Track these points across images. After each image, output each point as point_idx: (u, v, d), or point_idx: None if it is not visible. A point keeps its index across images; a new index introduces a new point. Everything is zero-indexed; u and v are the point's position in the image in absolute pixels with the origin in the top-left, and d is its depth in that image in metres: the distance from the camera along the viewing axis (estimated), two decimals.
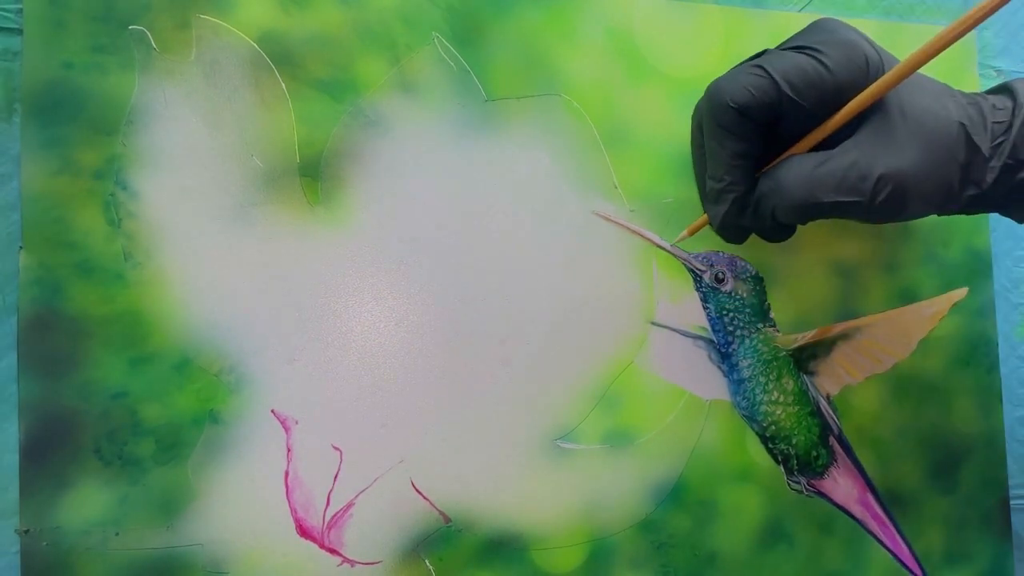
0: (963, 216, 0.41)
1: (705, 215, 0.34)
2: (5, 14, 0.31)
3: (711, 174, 0.31)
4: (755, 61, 0.30)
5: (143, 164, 0.31)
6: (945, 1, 0.43)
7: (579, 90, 0.36)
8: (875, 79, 0.29)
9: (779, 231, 0.33)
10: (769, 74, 0.29)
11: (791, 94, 0.29)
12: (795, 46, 0.30)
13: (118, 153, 0.31)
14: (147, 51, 0.32)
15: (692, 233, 0.35)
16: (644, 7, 0.37)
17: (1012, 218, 0.33)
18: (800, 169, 0.30)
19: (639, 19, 0.37)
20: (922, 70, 0.30)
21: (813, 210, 0.30)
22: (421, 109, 0.35)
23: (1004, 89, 0.32)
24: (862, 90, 0.29)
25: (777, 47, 0.31)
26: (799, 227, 0.33)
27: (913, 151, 0.29)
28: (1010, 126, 0.30)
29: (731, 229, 0.32)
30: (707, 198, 0.32)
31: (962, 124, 0.30)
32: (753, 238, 0.33)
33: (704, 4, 0.38)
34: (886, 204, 0.29)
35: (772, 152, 0.31)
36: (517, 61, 0.36)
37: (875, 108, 0.30)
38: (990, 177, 0.30)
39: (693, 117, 0.33)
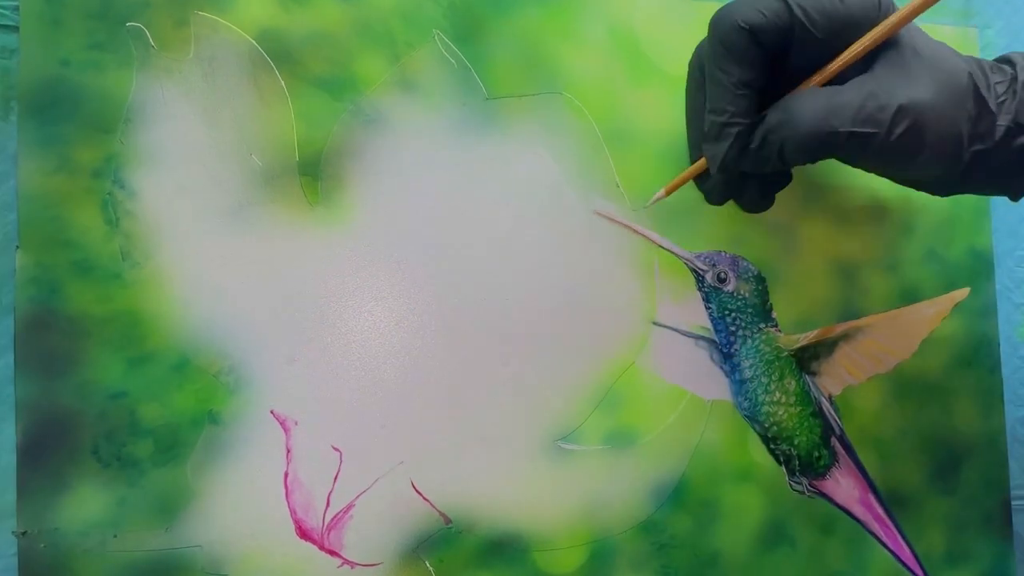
0: (965, 215, 0.41)
1: (686, 171, 0.33)
2: (2, 11, 0.31)
3: (712, 107, 0.30)
4: None
5: (141, 163, 0.31)
6: (946, 1, 0.42)
7: (581, 88, 0.36)
8: (886, 15, 0.29)
9: (762, 193, 0.33)
10: None
11: (803, 20, 0.28)
12: None
13: (116, 151, 0.31)
14: (145, 48, 0.31)
15: (669, 192, 0.34)
16: (646, 5, 0.37)
17: (1007, 194, 0.33)
18: (815, 99, 0.29)
19: (641, 17, 0.37)
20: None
21: (828, 141, 0.29)
22: (422, 107, 0.34)
23: (1002, 59, 0.32)
24: (874, 26, 0.29)
25: None
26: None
27: (930, 87, 0.29)
28: (1011, 89, 0.30)
29: (725, 177, 0.31)
30: (707, 136, 0.30)
31: (970, 74, 0.29)
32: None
33: (706, 2, 0.38)
34: (902, 139, 0.28)
35: (777, 91, 0.30)
36: (518, 59, 0.35)
37: (888, 45, 0.29)
38: (998, 134, 0.30)
39: (690, 64, 0.33)
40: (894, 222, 0.40)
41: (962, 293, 0.36)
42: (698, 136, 0.32)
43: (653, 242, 0.36)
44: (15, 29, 0.31)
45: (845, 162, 0.32)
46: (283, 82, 0.33)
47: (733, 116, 0.29)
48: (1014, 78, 0.30)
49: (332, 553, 0.32)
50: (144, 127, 0.31)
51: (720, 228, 0.37)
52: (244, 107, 0.32)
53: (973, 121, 0.29)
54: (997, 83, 0.30)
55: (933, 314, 0.36)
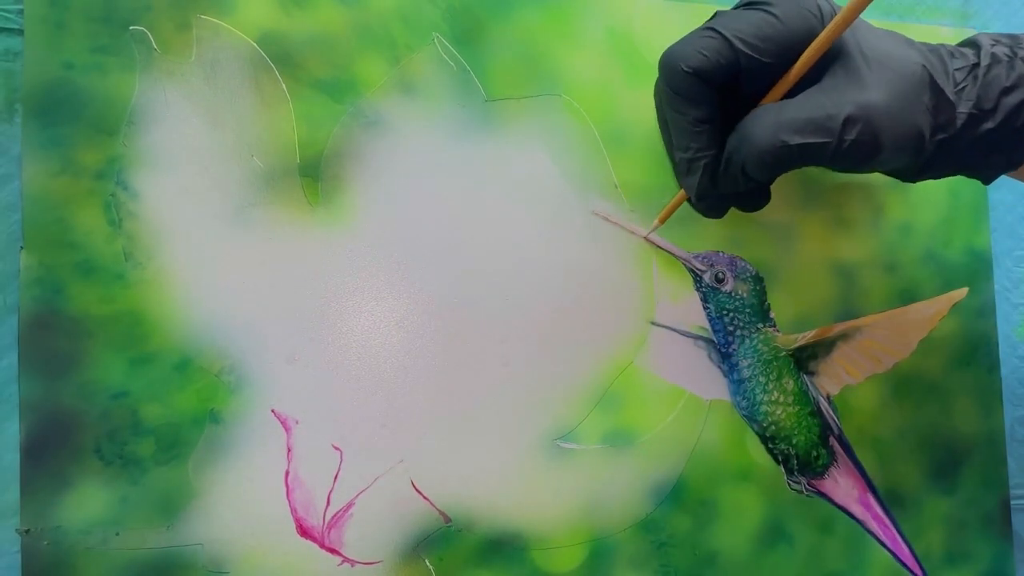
0: (963, 215, 0.41)
1: (672, 201, 0.34)
2: (6, 15, 0.31)
3: (677, 145, 0.31)
4: (706, 23, 0.30)
5: (144, 164, 0.32)
6: (945, 1, 0.43)
7: (579, 90, 0.36)
8: (829, 23, 0.29)
9: (754, 195, 0.33)
10: (721, 34, 0.29)
11: (746, 51, 0.28)
12: (745, 3, 0.30)
13: (119, 153, 0.31)
14: (148, 52, 0.32)
15: (664, 220, 0.35)
16: (644, 7, 0.37)
17: (978, 178, 0.33)
18: (765, 116, 0.29)
19: (639, 19, 0.37)
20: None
21: (783, 155, 0.29)
22: (421, 109, 0.35)
23: (968, 42, 0.31)
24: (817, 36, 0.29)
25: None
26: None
27: (880, 90, 0.28)
28: (972, 75, 0.30)
29: (709, 200, 0.32)
30: (679, 171, 0.31)
31: (924, 66, 0.29)
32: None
33: (703, 4, 0.38)
34: (856, 145, 0.28)
35: (738, 115, 0.31)
36: (517, 61, 0.36)
37: (836, 55, 0.29)
38: (959, 121, 0.29)
39: (655, 95, 0.33)
40: (892, 222, 0.40)
41: (960, 293, 0.36)
42: (674, 158, 0.33)
43: (651, 242, 0.37)
44: (19, 32, 0.31)
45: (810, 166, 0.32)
46: (284, 84, 0.33)
47: (697, 151, 0.30)
48: (975, 64, 0.30)
49: (332, 551, 0.32)
50: (147, 129, 0.32)
51: (718, 228, 0.37)
52: (245, 109, 0.33)
53: (932, 112, 0.29)
54: (956, 70, 0.30)
55: (931, 314, 0.36)
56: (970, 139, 0.30)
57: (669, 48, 0.30)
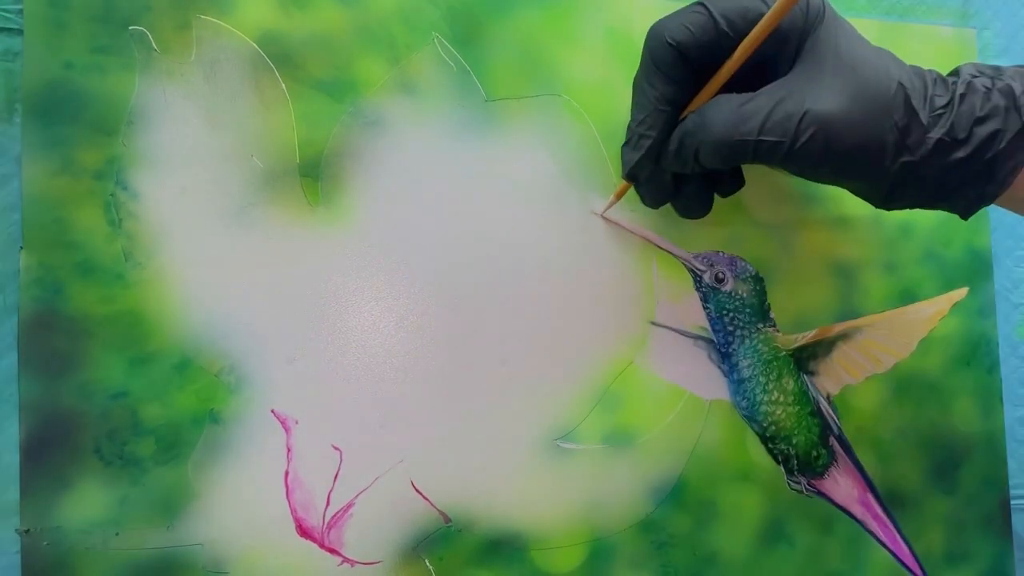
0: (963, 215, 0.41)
1: (622, 184, 0.34)
2: (6, 15, 0.31)
3: (634, 117, 0.31)
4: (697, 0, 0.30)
5: (143, 164, 0.31)
6: (945, 0, 0.43)
7: (579, 90, 0.36)
8: (813, 19, 0.29)
9: (702, 203, 0.33)
10: (709, 11, 0.29)
11: (729, 31, 0.29)
12: None
13: (118, 153, 0.31)
14: (147, 52, 0.32)
15: (619, 198, 0.35)
16: (644, 7, 0.37)
17: (954, 211, 0.32)
18: (727, 105, 0.29)
19: (639, 19, 0.37)
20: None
21: (739, 148, 0.29)
22: (421, 109, 0.35)
23: (953, 71, 0.31)
24: (800, 29, 0.29)
25: None
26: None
27: (843, 96, 0.28)
28: (951, 102, 0.29)
29: (648, 184, 0.32)
30: (627, 142, 0.32)
31: (902, 84, 0.29)
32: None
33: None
34: (808, 148, 0.28)
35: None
36: (517, 61, 0.36)
37: (810, 49, 0.29)
38: (927, 146, 0.29)
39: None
40: (892, 222, 0.40)
41: (960, 293, 0.36)
42: None
43: (651, 242, 0.37)
44: (19, 32, 0.31)
45: (769, 166, 0.31)
46: (284, 84, 0.33)
47: (650, 128, 0.30)
48: (961, 95, 0.29)
49: (332, 551, 0.32)
50: (146, 129, 0.32)
51: (718, 228, 0.37)
52: (245, 109, 0.33)
53: (900, 131, 0.29)
54: (937, 95, 0.29)
55: (931, 314, 0.36)
56: (940, 167, 0.29)
57: (657, 21, 0.30)
